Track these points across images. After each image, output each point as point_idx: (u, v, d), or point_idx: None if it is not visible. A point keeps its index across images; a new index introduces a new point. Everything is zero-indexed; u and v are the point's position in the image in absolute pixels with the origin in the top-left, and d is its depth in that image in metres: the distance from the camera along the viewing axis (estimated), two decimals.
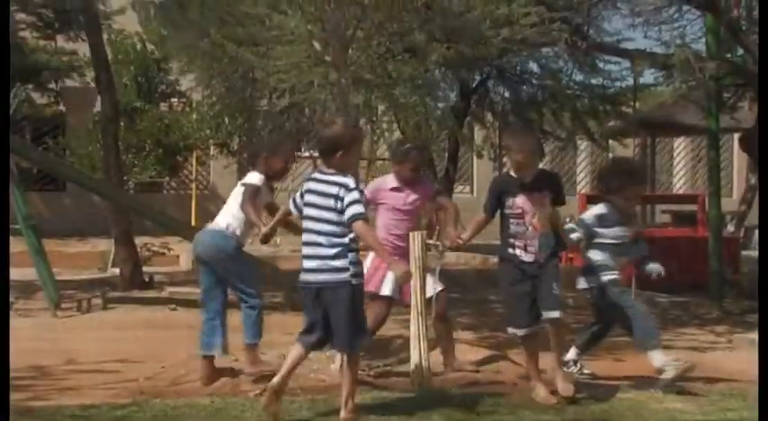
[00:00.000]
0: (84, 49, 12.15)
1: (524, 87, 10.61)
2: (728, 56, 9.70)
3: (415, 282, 5.58)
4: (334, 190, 4.77)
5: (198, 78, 10.97)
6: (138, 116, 16.68)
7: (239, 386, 5.59)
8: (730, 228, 15.58)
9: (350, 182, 4.77)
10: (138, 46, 16.90)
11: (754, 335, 7.63)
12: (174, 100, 17.42)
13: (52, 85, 17.94)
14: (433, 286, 5.89)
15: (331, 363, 5.85)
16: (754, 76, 9.20)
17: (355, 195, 4.71)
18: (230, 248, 5.74)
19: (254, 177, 5.87)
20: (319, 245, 4.77)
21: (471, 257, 12.47)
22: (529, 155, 5.40)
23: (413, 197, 6.06)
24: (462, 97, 10.76)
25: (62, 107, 18.60)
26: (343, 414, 4.74)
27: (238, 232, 5.77)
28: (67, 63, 17.31)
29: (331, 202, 4.76)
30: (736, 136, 12.58)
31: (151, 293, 10.04)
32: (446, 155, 11.85)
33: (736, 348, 7.33)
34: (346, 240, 4.74)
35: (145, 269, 10.85)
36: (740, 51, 9.64)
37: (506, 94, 10.84)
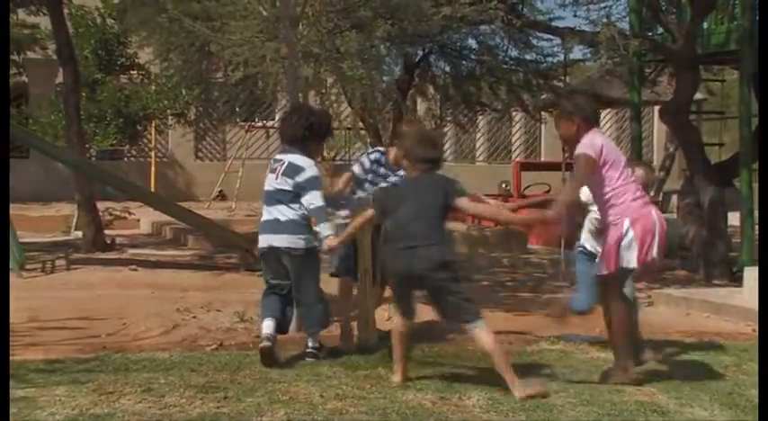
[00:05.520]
0: (45, 22, 11.83)
1: (464, 62, 10.61)
2: (650, 34, 9.79)
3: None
4: None
5: (156, 52, 10.76)
6: (98, 87, 16.37)
7: (197, 341, 5.55)
8: (650, 192, 15.85)
9: None
10: (99, 20, 16.53)
11: (671, 291, 7.81)
12: (134, 72, 17.10)
13: (14, 57, 17.44)
14: None
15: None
16: (672, 52, 9.32)
17: None
18: None
19: None
20: None
21: None
22: None
23: None
24: (406, 71, 10.72)
25: (24, 78, 18.10)
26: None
27: None
28: (30, 35, 16.84)
29: None
30: (657, 108, 12.76)
31: (113, 255, 9.90)
32: (390, 125, 11.81)
33: (655, 303, 7.47)
34: None
35: (107, 232, 10.69)
36: (660, 30, 9.74)
37: (447, 69, 10.83)
